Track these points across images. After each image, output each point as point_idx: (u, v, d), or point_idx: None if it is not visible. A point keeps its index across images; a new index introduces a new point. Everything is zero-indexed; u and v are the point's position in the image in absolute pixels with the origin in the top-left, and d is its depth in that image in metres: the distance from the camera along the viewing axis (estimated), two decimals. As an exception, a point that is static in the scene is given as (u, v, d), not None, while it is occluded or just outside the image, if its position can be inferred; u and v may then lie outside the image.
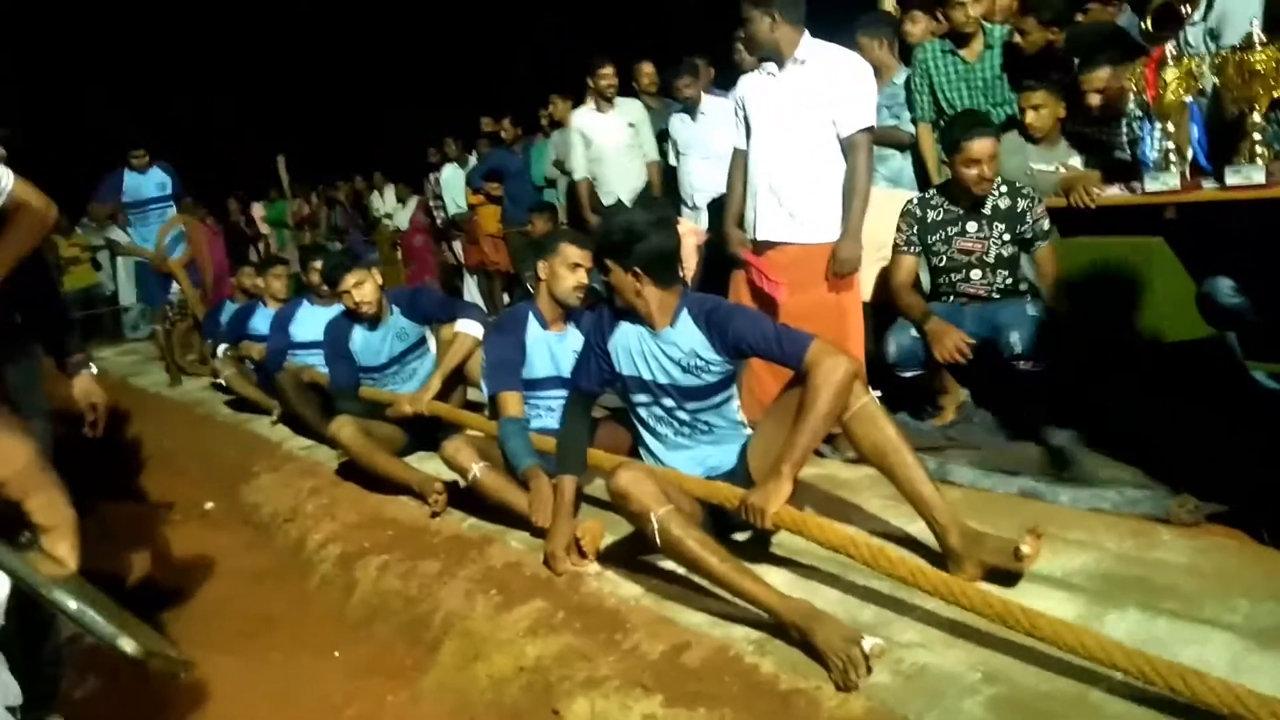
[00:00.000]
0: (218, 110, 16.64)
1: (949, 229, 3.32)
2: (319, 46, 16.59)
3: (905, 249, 3.40)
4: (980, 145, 3.13)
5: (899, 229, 3.41)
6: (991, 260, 3.28)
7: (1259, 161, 2.93)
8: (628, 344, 2.54)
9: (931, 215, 3.36)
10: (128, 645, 1.32)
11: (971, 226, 3.29)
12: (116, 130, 7.21)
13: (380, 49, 16.63)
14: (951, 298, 3.39)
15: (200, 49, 16.67)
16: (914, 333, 3.26)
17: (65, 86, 15.72)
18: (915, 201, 3.43)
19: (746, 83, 3.42)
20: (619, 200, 5.63)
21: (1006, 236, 3.25)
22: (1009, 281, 3.29)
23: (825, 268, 3.26)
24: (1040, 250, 3.27)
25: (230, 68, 17.00)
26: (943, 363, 3.18)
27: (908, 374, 3.33)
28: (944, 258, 3.35)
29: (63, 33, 15.54)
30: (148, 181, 6.42)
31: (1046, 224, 3.25)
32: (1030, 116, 3.60)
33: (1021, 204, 3.23)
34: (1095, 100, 3.46)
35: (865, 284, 3.64)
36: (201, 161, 11.61)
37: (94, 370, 2.31)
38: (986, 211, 3.27)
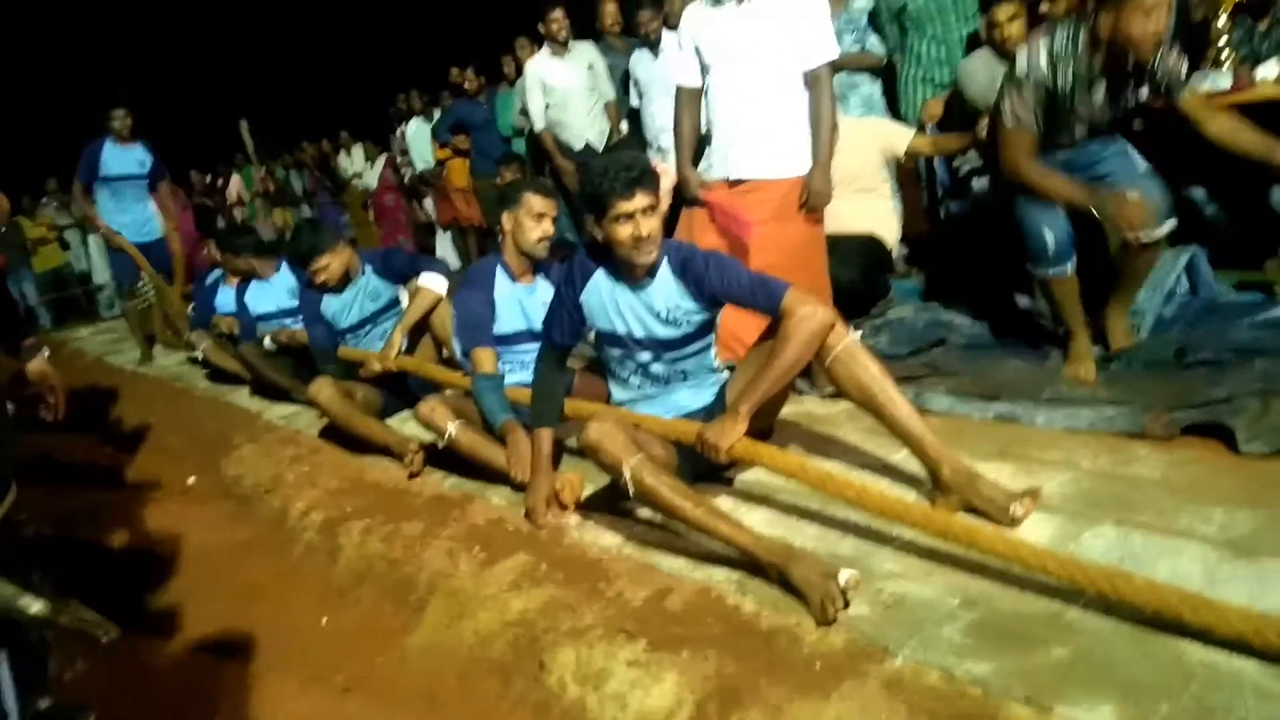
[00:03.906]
0: (172, 78, 16.24)
1: (1076, 94, 2.69)
2: (273, 9, 16.16)
3: (1023, 125, 2.71)
4: None
5: (1016, 97, 2.70)
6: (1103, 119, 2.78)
7: (1225, 67, 2.89)
8: (601, 298, 2.48)
9: (1061, 83, 2.68)
10: (33, 605, 1.32)
11: (1100, 92, 2.69)
12: (80, 102, 6.92)
13: (335, 5, 16.22)
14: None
15: (151, 17, 16.20)
16: (1062, 216, 2.75)
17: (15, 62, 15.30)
18: (1042, 65, 2.66)
19: (692, 15, 3.26)
20: (588, 145, 5.54)
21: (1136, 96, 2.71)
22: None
23: (796, 203, 3.21)
24: (1186, 99, 2.63)
25: (183, 35, 16.56)
26: (1133, 243, 2.66)
27: (1064, 269, 2.81)
28: (1058, 121, 2.76)
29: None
30: (129, 156, 6.11)
31: (1184, 69, 2.63)
32: (1008, 30, 3.48)
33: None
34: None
35: (843, 216, 3.61)
36: (160, 132, 11.35)
37: (46, 354, 2.27)
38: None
